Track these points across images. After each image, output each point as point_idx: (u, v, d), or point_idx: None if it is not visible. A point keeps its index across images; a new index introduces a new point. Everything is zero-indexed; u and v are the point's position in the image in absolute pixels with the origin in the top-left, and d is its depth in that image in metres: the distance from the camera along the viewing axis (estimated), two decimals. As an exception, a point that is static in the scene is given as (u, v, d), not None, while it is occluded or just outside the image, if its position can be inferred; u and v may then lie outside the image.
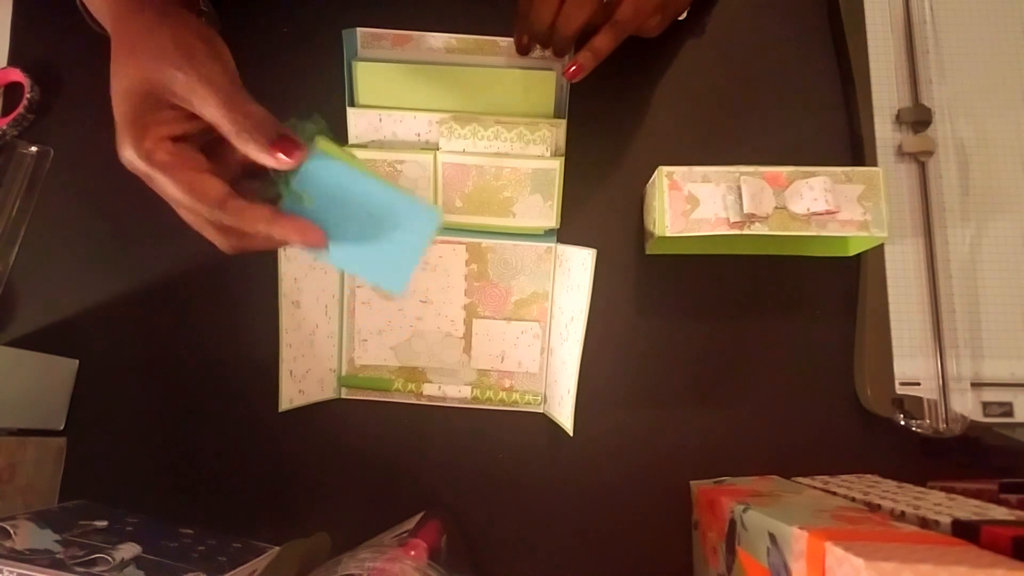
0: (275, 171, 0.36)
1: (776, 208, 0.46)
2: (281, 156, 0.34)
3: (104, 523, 0.46)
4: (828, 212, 0.45)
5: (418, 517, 0.47)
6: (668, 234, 0.46)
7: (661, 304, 0.54)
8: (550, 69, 0.52)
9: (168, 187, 0.35)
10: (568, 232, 0.54)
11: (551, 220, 0.53)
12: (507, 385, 0.54)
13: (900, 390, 0.49)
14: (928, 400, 0.48)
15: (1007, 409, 0.48)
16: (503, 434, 0.53)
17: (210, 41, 0.35)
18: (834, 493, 0.44)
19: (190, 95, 0.34)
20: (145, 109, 0.35)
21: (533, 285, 0.54)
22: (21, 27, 0.60)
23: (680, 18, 0.54)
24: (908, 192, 0.51)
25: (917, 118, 0.51)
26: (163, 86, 0.34)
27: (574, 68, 0.48)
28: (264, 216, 0.35)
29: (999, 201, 0.51)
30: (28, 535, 0.41)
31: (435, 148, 0.52)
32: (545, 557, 0.51)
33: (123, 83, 0.35)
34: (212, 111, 0.34)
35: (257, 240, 0.37)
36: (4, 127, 0.57)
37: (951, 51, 0.53)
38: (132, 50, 0.35)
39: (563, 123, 0.52)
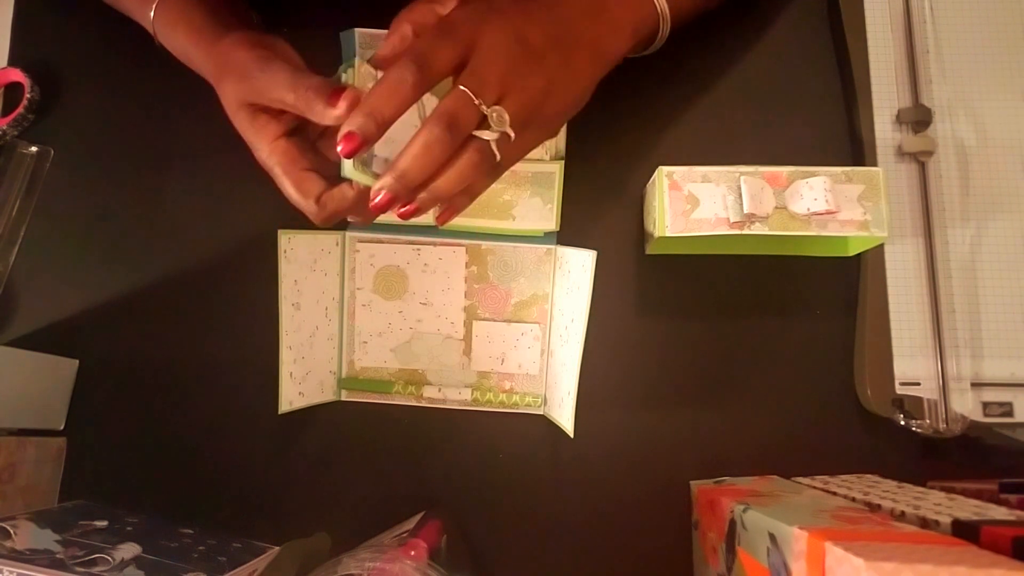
0: None
1: (776, 208, 0.46)
2: (333, 106, 0.40)
3: (104, 523, 0.46)
4: (828, 212, 0.45)
5: (418, 517, 0.47)
6: (668, 234, 0.46)
7: (661, 304, 0.54)
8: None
9: (281, 184, 0.43)
10: (568, 233, 0.54)
11: (551, 223, 0.53)
12: (507, 387, 0.54)
13: (900, 390, 0.49)
14: (928, 400, 0.48)
15: (1007, 409, 0.48)
16: (503, 436, 0.53)
17: (268, 47, 0.44)
18: (834, 493, 0.44)
19: (269, 93, 0.42)
20: (251, 120, 0.43)
21: (533, 287, 0.54)
22: (21, 27, 0.60)
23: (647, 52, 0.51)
24: (908, 192, 0.51)
25: (917, 118, 0.51)
26: (251, 95, 0.43)
27: (445, 213, 0.44)
28: (348, 208, 0.43)
29: (999, 201, 0.51)
30: (28, 535, 0.41)
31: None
32: (545, 557, 0.51)
33: (230, 106, 0.44)
34: (283, 98, 0.41)
35: (343, 212, 0.43)
36: (4, 127, 0.57)
37: (951, 51, 0.53)
38: (220, 78, 0.44)
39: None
